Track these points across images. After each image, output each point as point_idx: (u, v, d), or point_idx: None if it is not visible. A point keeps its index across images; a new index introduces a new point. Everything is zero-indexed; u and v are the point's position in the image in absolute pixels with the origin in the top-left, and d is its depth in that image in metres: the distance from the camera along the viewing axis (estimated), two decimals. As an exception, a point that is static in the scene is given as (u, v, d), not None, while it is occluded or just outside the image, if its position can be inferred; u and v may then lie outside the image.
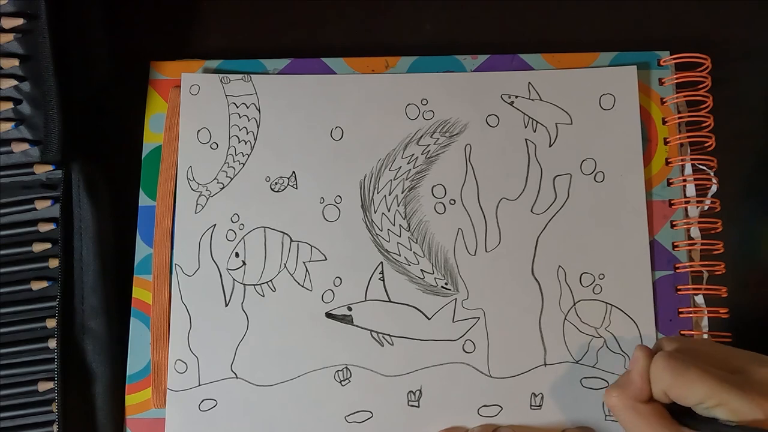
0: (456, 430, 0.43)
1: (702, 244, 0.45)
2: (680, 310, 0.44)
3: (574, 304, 0.44)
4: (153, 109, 0.47)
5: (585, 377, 0.44)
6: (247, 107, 0.47)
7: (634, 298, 0.44)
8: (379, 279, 0.45)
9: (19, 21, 0.42)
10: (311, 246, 0.45)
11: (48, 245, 0.43)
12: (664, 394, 0.34)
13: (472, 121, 0.47)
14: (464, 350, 0.44)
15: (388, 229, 0.46)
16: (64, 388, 0.42)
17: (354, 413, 0.43)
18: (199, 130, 0.47)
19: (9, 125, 0.43)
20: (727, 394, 0.32)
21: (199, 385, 0.44)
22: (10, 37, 0.43)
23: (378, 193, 0.46)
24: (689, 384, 0.33)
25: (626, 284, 0.44)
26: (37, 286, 0.43)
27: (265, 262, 0.45)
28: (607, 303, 0.44)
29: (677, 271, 0.45)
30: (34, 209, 0.44)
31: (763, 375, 0.33)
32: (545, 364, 0.44)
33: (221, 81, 0.47)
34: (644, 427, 0.34)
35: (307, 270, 0.45)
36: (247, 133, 0.47)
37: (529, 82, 0.47)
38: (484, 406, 0.43)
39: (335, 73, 0.48)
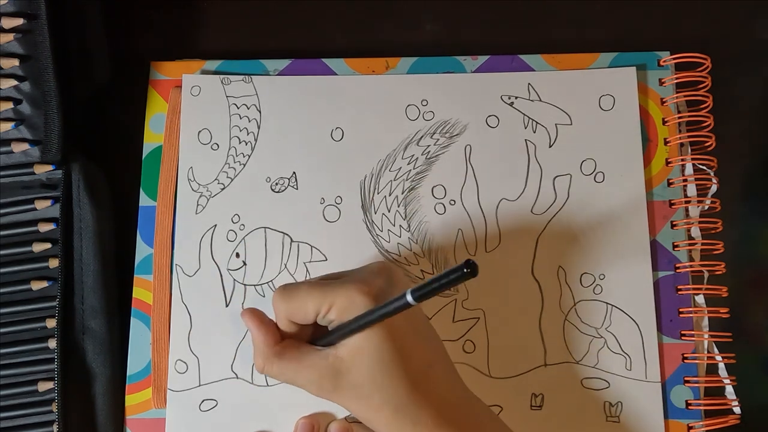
0: (318, 416, 0.43)
1: (702, 244, 0.45)
2: (681, 310, 0.44)
3: (575, 305, 0.44)
4: (153, 110, 0.47)
5: (585, 378, 0.43)
6: (248, 108, 0.47)
7: (634, 298, 0.44)
8: (380, 279, 0.45)
9: (19, 21, 0.42)
10: (312, 246, 0.45)
11: (48, 245, 0.43)
12: (289, 321, 0.37)
13: (472, 122, 0.47)
14: (464, 350, 0.44)
15: (389, 230, 0.46)
16: (64, 388, 0.42)
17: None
18: (199, 131, 0.47)
19: (9, 125, 0.43)
20: (331, 293, 0.36)
21: (200, 386, 0.43)
22: (10, 37, 0.43)
23: (378, 193, 0.46)
24: (301, 299, 0.36)
25: (627, 284, 0.44)
26: (37, 286, 0.43)
27: (266, 262, 0.45)
28: (607, 303, 0.44)
29: (678, 271, 0.45)
30: (34, 209, 0.44)
31: (357, 271, 0.38)
32: (545, 365, 0.44)
33: (222, 82, 0.47)
34: (291, 363, 0.37)
35: (307, 270, 0.45)
36: (248, 134, 0.47)
37: (529, 83, 0.47)
38: (484, 406, 0.43)
39: (335, 74, 0.48)
